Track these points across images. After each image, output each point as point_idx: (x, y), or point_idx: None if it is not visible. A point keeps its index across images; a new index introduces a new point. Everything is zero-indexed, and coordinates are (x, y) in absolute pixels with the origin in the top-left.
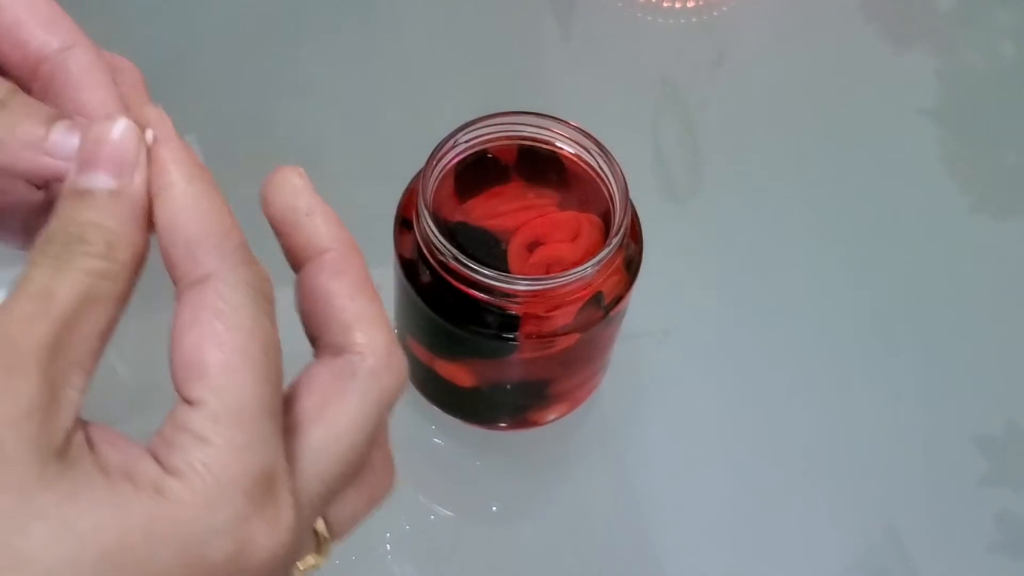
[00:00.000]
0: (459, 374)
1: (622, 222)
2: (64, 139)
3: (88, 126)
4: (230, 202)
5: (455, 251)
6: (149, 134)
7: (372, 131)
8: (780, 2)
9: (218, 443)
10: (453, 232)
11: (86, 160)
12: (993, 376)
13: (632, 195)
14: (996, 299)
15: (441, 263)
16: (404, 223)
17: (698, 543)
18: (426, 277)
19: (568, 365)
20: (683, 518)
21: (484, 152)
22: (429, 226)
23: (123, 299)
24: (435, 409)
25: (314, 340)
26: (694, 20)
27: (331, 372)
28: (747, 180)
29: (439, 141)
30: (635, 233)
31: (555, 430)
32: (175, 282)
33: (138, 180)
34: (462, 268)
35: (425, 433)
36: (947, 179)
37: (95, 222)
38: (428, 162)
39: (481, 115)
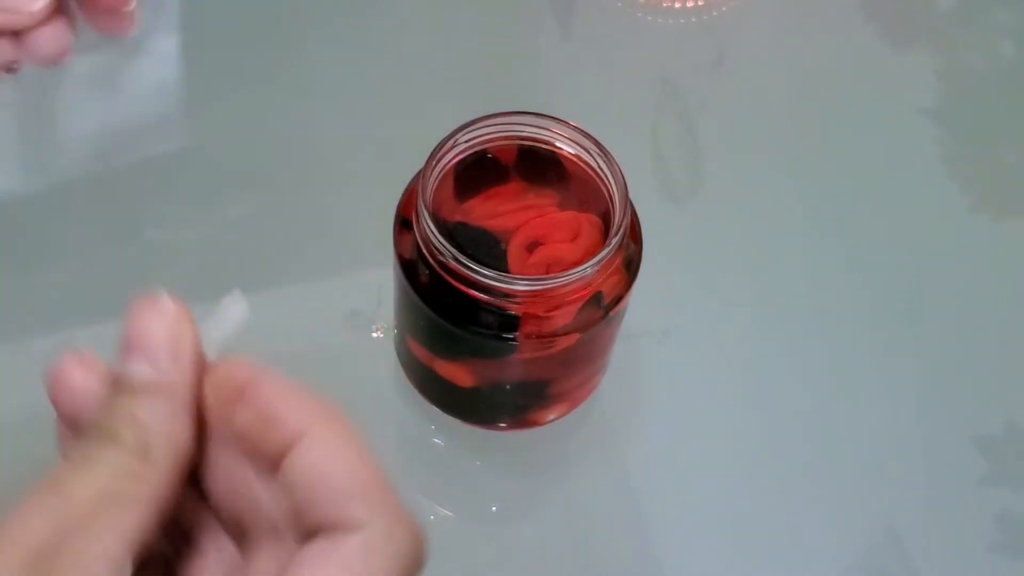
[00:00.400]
0: (459, 374)
1: (622, 222)
2: None
3: (134, 312)
4: (230, 203)
5: (455, 251)
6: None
7: (372, 131)
8: (780, 2)
9: None
10: (453, 232)
11: (129, 347)
12: (993, 376)
13: (632, 195)
14: (996, 299)
15: (441, 263)
16: (404, 223)
17: (698, 543)
18: (426, 277)
19: (568, 365)
20: (683, 518)
21: (484, 152)
22: (429, 226)
23: (158, 500)
24: (435, 409)
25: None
26: (694, 20)
27: (337, 558)
28: (747, 180)
29: (439, 141)
30: (635, 233)
31: (555, 430)
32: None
33: (184, 373)
34: (462, 268)
35: (425, 433)
36: (947, 179)
37: (132, 416)
38: (428, 162)
39: (481, 115)
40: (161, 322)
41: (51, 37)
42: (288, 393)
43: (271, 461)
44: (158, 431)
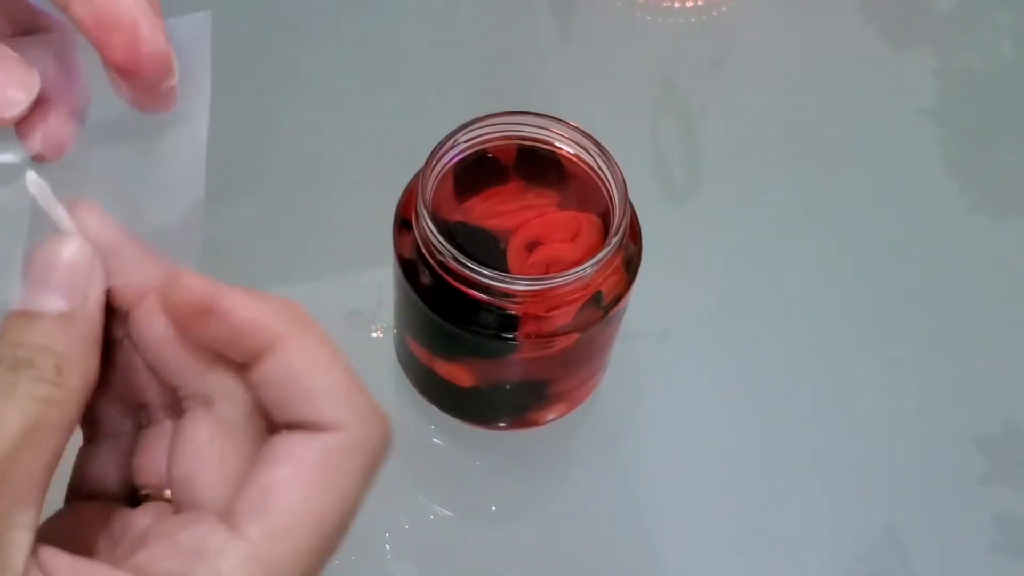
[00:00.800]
0: (458, 374)
1: (621, 222)
2: None
3: (37, 245)
4: (231, 205)
5: (454, 251)
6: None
7: (371, 131)
8: (780, 2)
9: None
10: (452, 232)
11: (35, 280)
12: (992, 376)
13: (631, 195)
14: (995, 299)
15: (440, 263)
16: (403, 223)
17: (697, 542)
18: (425, 277)
19: (567, 365)
20: (682, 518)
21: (483, 152)
22: (428, 226)
23: (70, 428)
24: (434, 409)
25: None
26: (694, 20)
27: (315, 450)
28: (747, 180)
29: (438, 141)
30: (634, 233)
31: (554, 430)
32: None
33: (92, 302)
34: (461, 268)
35: (424, 433)
36: (946, 179)
37: (44, 345)
38: (427, 162)
39: (480, 115)
40: (71, 254)
41: (48, 132)
42: (258, 302)
43: (236, 363)
44: (72, 360)
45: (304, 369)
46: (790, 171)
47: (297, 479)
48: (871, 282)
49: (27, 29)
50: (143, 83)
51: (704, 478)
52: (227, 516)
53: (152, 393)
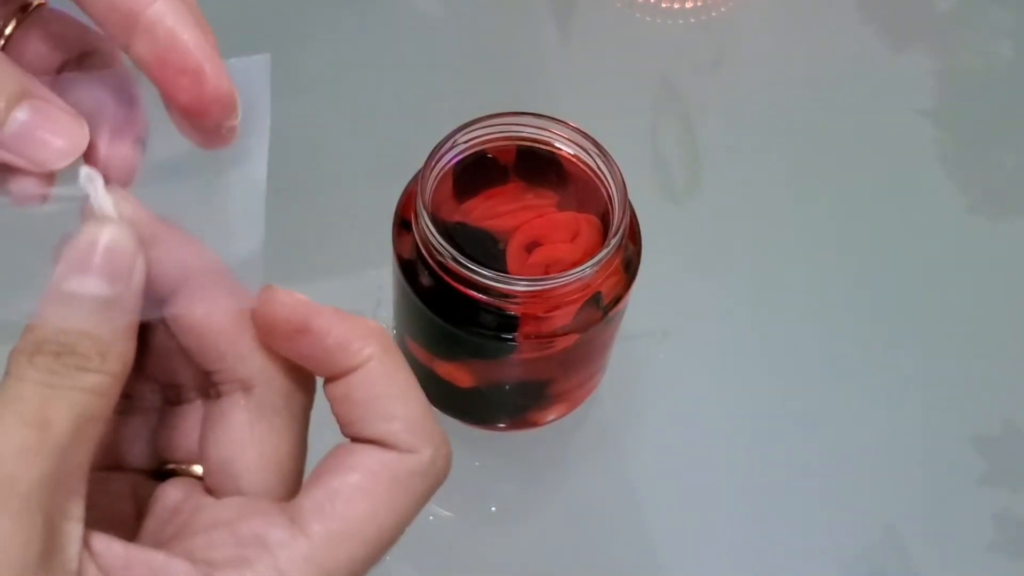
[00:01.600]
0: (458, 374)
1: (621, 223)
2: (20, 126)
3: (79, 228)
4: None
5: (454, 252)
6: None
7: (371, 132)
8: (779, 3)
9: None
10: (452, 233)
11: (77, 263)
12: (991, 376)
13: (631, 196)
14: (994, 299)
15: (440, 264)
16: (403, 224)
17: (697, 543)
18: (425, 278)
19: (567, 366)
20: (682, 518)
21: (483, 153)
22: (428, 227)
23: (111, 414)
24: (434, 410)
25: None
26: (693, 21)
27: (388, 467)
28: (746, 181)
29: (438, 142)
30: (634, 234)
31: (554, 431)
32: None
33: (134, 286)
34: (461, 269)
35: None
36: (945, 179)
37: (87, 331)
38: (427, 163)
39: (480, 115)
40: (113, 238)
41: (116, 158)
42: (349, 323)
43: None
44: (113, 345)
45: (386, 391)
46: (789, 171)
47: (367, 491)
48: (870, 282)
49: (81, 53)
50: (208, 124)
51: (703, 478)
52: (290, 511)
53: (185, 375)
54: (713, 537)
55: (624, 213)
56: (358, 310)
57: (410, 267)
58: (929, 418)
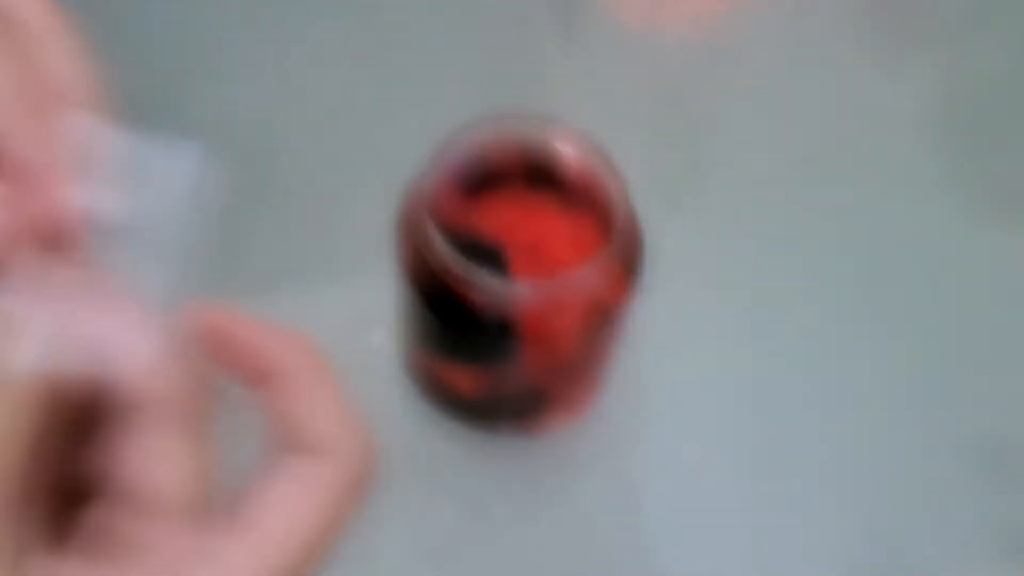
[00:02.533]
0: (461, 380)
1: (623, 228)
2: None
3: None
4: (232, 211)
5: (455, 256)
6: None
7: (372, 136)
8: (781, 11)
9: None
10: (453, 237)
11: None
12: (991, 380)
13: (633, 201)
14: (995, 305)
15: (441, 268)
16: (404, 229)
17: (700, 550)
18: (426, 283)
19: (570, 372)
20: (685, 524)
21: (485, 157)
22: (429, 231)
23: None
24: (436, 416)
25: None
26: (696, 27)
27: (314, 473)
28: (748, 186)
29: (440, 146)
30: (636, 240)
31: (557, 437)
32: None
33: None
34: (462, 274)
35: (427, 440)
36: (948, 186)
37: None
38: (428, 167)
39: (482, 120)
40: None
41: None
42: (271, 334)
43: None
44: None
45: (304, 398)
46: (791, 177)
47: (290, 496)
48: (872, 288)
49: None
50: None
51: (706, 485)
52: (215, 523)
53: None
54: (715, 544)
55: (627, 219)
56: (360, 316)
57: (411, 272)
58: (929, 423)
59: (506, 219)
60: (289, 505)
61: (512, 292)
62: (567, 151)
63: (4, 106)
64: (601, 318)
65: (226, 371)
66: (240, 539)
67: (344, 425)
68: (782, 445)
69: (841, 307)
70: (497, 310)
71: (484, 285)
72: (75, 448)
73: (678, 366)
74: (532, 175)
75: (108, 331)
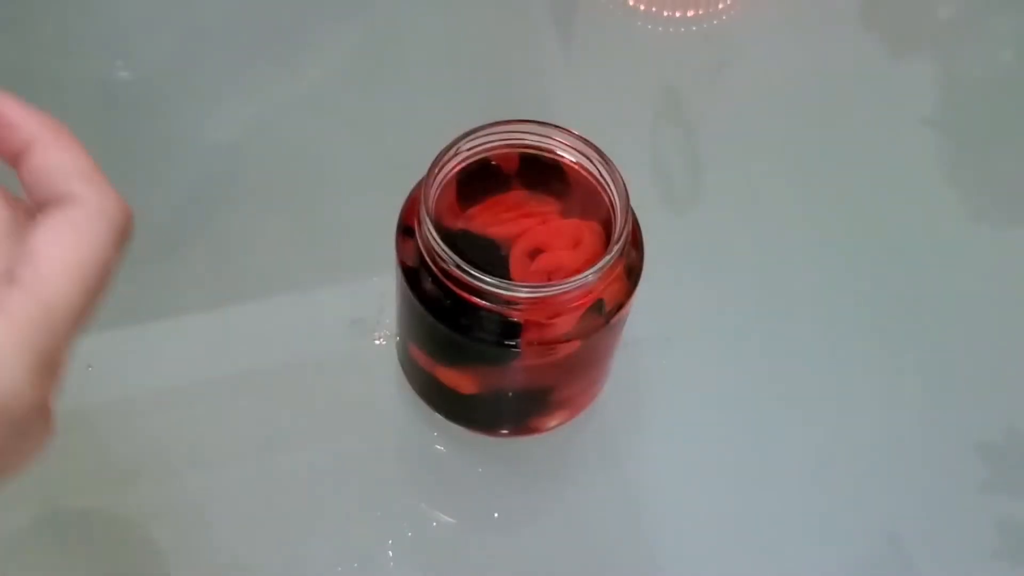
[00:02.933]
0: (461, 381)
1: (623, 229)
2: None
3: None
4: (235, 212)
5: (457, 258)
6: None
7: (374, 139)
8: (780, 10)
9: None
10: (455, 239)
11: None
12: (994, 383)
13: (633, 203)
14: (996, 307)
15: (443, 270)
16: (406, 231)
17: (700, 550)
18: (428, 284)
19: (569, 372)
20: (684, 525)
21: (486, 160)
22: (431, 233)
23: None
24: (437, 416)
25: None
26: (694, 29)
27: (70, 218)
28: (748, 188)
29: (441, 149)
30: (636, 240)
31: (557, 437)
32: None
33: None
34: (464, 275)
35: (427, 440)
36: (947, 187)
37: None
38: (430, 170)
39: (483, 123)
40: None
41: None
42: (18, 106)
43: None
44: None
45: (52, 158)
46: (791, 179)
47: (53, 241)
48: (873, 289)
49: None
50: None
51: (705, 485)
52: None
53: None
54: (715, 544)
55: (626, 220)
56: (361, 317)
57: (413, 274)
58: (932, 425)
59: (506, 220)
60: (53, 248)
61: (513, 294)
62: (567, 152)
63: None
64: (601, 319)
65: None
66: (13, 288)
67: (92, 176)
68: (782, 446)
69: (841, 307)
70: (498, 312)
71: (485, 287)
72: None
73: (677, 367)
74: (532, 176)
75: None
